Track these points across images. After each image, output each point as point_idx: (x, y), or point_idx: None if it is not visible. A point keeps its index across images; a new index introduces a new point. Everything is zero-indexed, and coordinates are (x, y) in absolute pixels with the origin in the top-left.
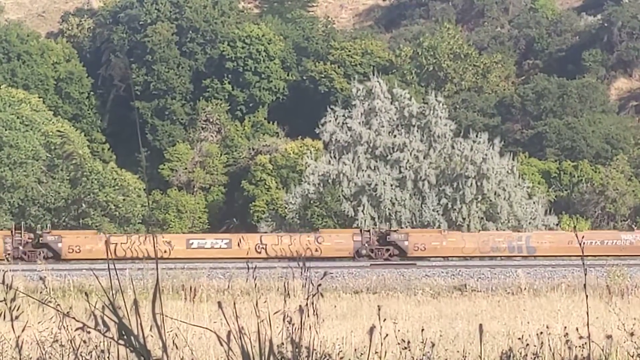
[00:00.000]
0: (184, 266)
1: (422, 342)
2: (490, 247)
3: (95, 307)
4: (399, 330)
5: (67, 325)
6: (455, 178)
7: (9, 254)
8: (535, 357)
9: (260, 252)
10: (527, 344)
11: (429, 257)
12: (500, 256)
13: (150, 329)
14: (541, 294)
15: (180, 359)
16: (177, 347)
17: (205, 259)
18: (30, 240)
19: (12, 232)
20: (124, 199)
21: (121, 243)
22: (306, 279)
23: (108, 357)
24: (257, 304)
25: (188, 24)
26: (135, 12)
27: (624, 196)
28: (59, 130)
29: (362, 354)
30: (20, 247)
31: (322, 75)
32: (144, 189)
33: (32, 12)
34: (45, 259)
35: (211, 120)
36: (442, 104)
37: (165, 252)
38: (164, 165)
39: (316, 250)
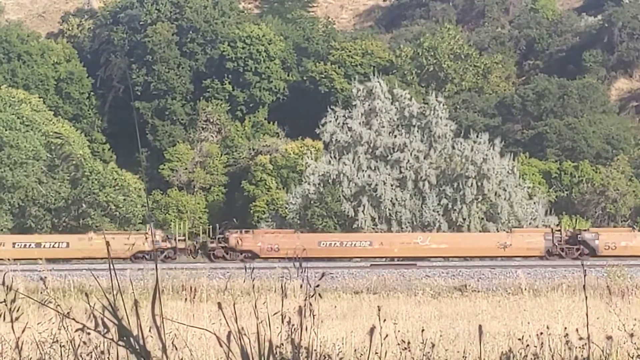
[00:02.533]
0: (182, 266)
1: (422, 343)
2: None
3: (93, 307)
4: (399, 331)
5: (67, 326)
6: (455, 178)
7: (547, 251)
8: (535, 358)
9: None
10: (528, 345)
11: None
12: None
13: (150, 330)
14: (541, 294)
15: None
16: (176, 348)
17: None
18: (567, 237)
19: (552, 229)
20: (124, 199)
21: None
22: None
23: (108, 358)
24: (255, 305)
25: (188, 24)
26: (135, 13)
27: (625, 196)
28: (56, 132)
29: (362, 354)
30: (557, 244)
31: (323, 76)
32: (144, 189)
33: (32, 12)
34: (580, 256)
35: (211, 120)
36: (443, 105)
37: None
38: (164, 165)
39: None
